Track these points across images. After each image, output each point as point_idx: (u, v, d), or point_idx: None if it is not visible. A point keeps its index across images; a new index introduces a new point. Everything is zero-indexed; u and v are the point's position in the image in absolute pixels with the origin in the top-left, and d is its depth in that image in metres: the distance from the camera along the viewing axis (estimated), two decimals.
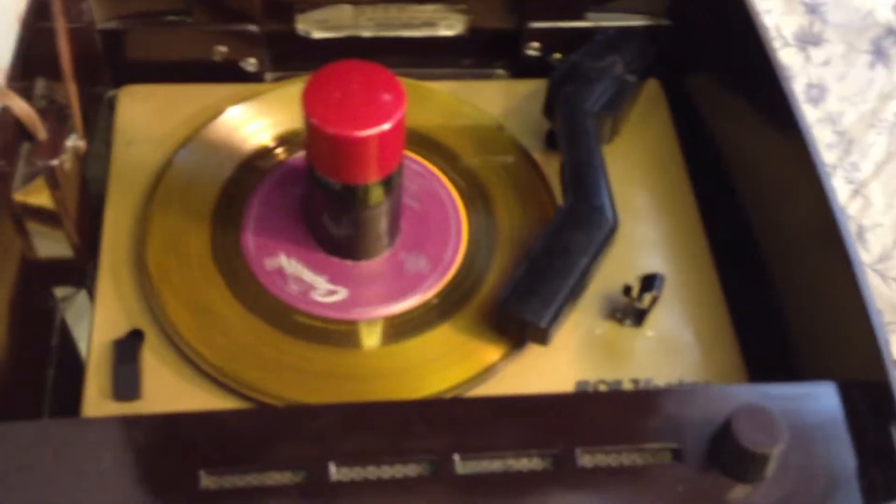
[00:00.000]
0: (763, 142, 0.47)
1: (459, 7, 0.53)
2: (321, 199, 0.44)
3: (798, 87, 0.64)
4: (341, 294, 0.44)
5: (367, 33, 0.54)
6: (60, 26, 0.39)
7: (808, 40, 0.65)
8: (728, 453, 0.33)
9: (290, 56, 0.54)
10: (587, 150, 0.46)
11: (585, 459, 0.34)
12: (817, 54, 0.65)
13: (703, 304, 0.47)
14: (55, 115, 0.42)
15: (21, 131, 0.40)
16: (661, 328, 0.45)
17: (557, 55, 0.54)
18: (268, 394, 0.41)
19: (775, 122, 0.45)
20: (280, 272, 0.45)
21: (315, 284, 0.44)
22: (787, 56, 0.64)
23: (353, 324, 0.44)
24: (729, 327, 0.46)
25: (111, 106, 0.53)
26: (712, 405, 0.35)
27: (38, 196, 0.41)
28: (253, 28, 0.52)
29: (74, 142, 0.42)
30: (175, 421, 0.34)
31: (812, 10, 0.65)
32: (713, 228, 0.50)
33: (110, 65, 0.53)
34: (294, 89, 0.51)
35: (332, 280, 0.45)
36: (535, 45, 0.54)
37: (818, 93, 0.65)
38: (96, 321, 0.44)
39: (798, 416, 0.35)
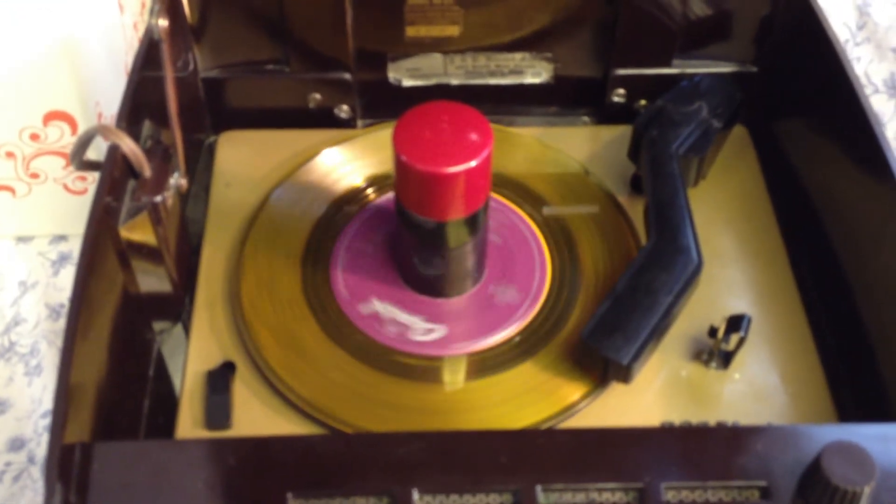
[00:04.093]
0: (854, 187, 0.46)
1: (546, 55, 0.55)
2: (410, 237, 0.45)
3: (889, 134, 0.63)
4: (439, 332, 0.45)
5: (455, 81, 0.55)
6: (169, 74, 0.42)
7: None
8: (818, 491, 0.32)
9: (382, 103, 0.55)
10: (672, 190, 0.46)
11: (670, 495, 0.34)
12: None
13: (792, 348, 0.46)
14: (160, 155, 0.44)
15: (128, 169, 0.42)
16: (748, 371, 0.45)
17: (642, 102, 0.55)
18: (352, 425, 0.42)
19: (867, 168, 0.45)
20: (375, 316, 0.46)
21: (411, 324, 0.45)
22: (877, 103, 0.63)
23: (438, 360, 0.45)
24: (819, 371, 0.45)
25: (211, 151, 0.55)
26: (801, 444, 0.34)
27: (142, 231, 0.42)
28: (346, 76, 0.54)
29: (177, 180, 0.44)
30: (265, 444, 0.35)
31: None
32: (801, 271, 0.49)
33: (211, 112, 0.55)
34: (385, 134, 0.53)
35: (428, 319, 0.46)
36: (621, 91, 0.55)
37: None
38: (190, 353, 0.46)
39: (889, 457, 0.34)
